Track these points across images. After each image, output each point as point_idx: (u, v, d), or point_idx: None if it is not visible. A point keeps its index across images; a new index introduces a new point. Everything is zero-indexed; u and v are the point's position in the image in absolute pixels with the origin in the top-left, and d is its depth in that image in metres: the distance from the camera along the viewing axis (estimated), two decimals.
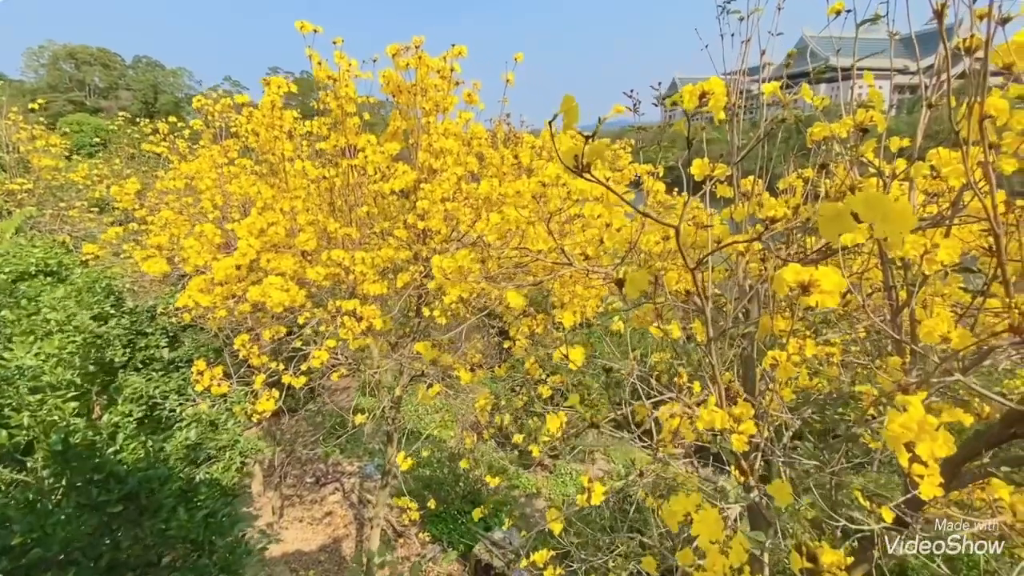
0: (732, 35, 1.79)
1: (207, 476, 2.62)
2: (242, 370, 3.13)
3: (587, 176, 0.84)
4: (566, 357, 1.51)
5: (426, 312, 2.69)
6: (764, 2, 1.61)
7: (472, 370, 3.42)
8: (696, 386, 1.52)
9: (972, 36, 1.08)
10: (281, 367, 2.74)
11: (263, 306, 2.73)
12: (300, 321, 2.74)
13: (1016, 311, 0.90)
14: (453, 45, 2.97)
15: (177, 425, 2.96)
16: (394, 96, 3.27)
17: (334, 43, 3.00)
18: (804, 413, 1.76)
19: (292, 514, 6.11)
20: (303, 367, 2.72)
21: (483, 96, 3.24)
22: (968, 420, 0.75)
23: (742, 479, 1.41)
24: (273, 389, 2.81)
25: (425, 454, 5.39)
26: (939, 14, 0.84)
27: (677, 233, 0.85)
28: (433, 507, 4.74)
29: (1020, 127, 1.12)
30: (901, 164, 1.28)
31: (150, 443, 2.46)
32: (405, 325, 3.63)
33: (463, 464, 3.57)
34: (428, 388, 3.94)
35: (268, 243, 2.91)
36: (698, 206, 2.46)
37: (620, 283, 0.93)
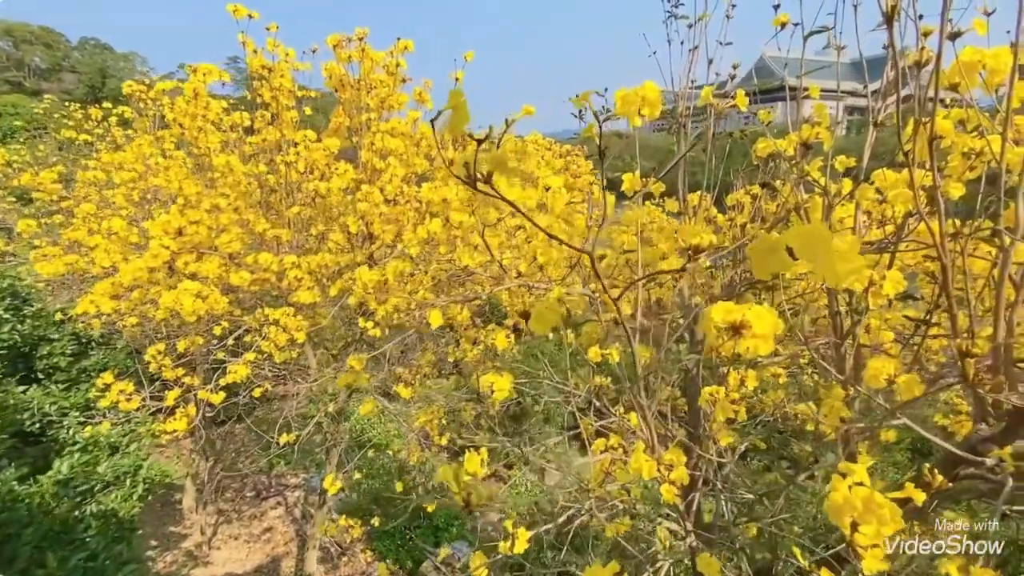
0: (682, 43, 1.70)
1: (100, 509, 2.32)
2: (156, 383, 2.84)
3: (482, 188, 0.70)
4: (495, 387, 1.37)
5: (362, 324, 2.49)
6: (712, 9, 1.52)
7: (413, 383, 3.24)
8: (632, 419, 1.41)
9: (922, 49, 1.00)
10: (197, 381, 2.49)
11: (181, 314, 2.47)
12: (216, 332, 2.49)
13: (967, 359, 0.82)
14: (399, 39, 2.80)
15: (68, 450, 2.63)
16: (337, 91, 3.06)
17: (268, 30, 2.78)
18: (748, 439, 1.68)
19: (227, 532, 5.72)
20: (223, 381, 2.47)
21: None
22: (920, 497, 0.65)
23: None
24: (191, 405, 2.55)
25: (359, 475, 5.13)
26: (888, 18, 0.75)
27: (592, 260, 0.72)
28: (378, 524, 4.51)
29: (965, 149, 1.06)
30: (847, 185, 1.20)
31: (12, 478, 2.10)
32: (347, 335, 3.41)
33: (399, 486, 3.37)
34: (370, 400, 3.72)
35: (188, 244, 2.65)
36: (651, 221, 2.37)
37: (526, 316, 0.80)
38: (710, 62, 1.58)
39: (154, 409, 2.69)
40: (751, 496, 1.46)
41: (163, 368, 2.50)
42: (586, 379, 2.26)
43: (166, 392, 2.52)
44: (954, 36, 1.00)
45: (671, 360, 1.69)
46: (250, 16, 2.70)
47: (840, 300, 1.42)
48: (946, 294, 1.02)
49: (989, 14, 1.09)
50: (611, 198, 2.31)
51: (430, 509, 2.51)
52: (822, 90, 1.65)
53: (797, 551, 0.91)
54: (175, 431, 2.39)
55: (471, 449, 1.28)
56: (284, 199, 3.08)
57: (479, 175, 0.72)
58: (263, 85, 2.96)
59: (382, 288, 2.39)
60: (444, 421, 2.92)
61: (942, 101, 1.10)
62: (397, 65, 2.84)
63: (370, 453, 5.20)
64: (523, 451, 1.95)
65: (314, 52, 2.91)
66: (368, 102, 2.90)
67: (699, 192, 1.97)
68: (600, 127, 0.63)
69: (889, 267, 1.27)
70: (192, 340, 2.58)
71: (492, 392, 1.30)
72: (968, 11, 1.09)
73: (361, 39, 2.83)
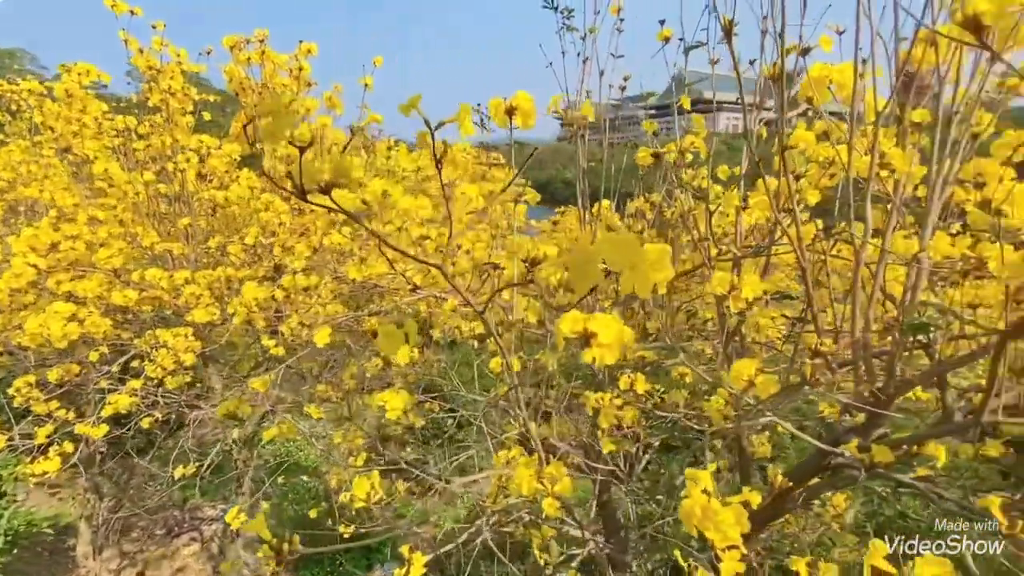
0: (579, 54, 1.73)
1: None
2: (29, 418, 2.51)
3: (314, 200, 0.65)
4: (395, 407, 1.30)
5: (265, 342, 2.33)
6: (600, 22, 1.56)
7: (334, 401, 3.09)
8: (534, 429, 1.40)
9: (773, 65, 1.06)
10: (72, 415, 2.22)
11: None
12: (93, 358, 2.24)
13: (813, 359, 0.86)
14: (301, 42, 2.67)
15: None
16: (238, 95, 2.88)
17: (154, 27, 2.56)
18: (647, 440, 1.72)
19: None
20: (104, 412, 2.22)
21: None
22: (756, 500, 0.66)
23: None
24: (67, 442, 2.27)
25: (285, 501, 4.84)
26: (727, 31, 0.79)
27: (444, 273, 0.69)
28: (299, 550, 4.23)
29: (820, 158, 1.13)
30: (716, 190, 1.26)
31: None
32: (258, 354, 3.19)
33: (313, 512, 3.19)
34: (283, 422, 3.51)
35: (64, 261, 2.37)
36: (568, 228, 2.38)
37: (375, 334, 0.76)
38: (601, 73, 1.61)
39: (24, 448, 2.38)
40: (650, 498, 1.49)
41: (31, 401, 2.21)
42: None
43: (38, 429, 2.23)
44: (805, 52, 1.07)
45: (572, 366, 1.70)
46: (132, 12, 2.48)
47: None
48: (807, 294, 1.08)
49: (840, 33, 1.18)
50: (522, 208, 2.31)
51: (346, 533, 2.39)
52: (735, 102, 1.73)
53: (677, 552, 0.91)
54: (45, 472, 2.12)
55: (364, 475, 1.21)
56: (180, 209, 2.85)
57: (317, 185, 0.67)
58: (152, 87, 2.73)
59: (288, 302, 2.25)
60: (363, 439, 2.79)
61: (817, 113, 1.18)
62: (300, 69, 2.71)
63: (304, 477, 4.92)
64: (437, 468, 1.89)
65: (208, 54, 2.72)
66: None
67: (606, 200, 2.02)
68: (432, 135, 0.60)
69: (764, 270, 1.34)
70: (67, 368, 2.29)
71: (385, 410, 1.23)
72: (821, 28, 1.18)
73: (261, 41, 2.68)
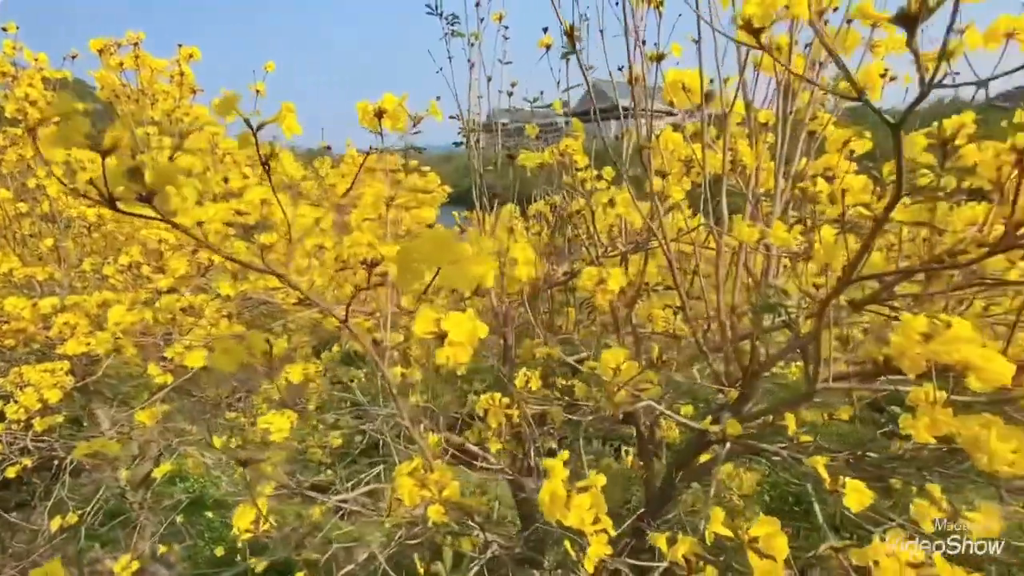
0: (469, 61, 1.74)
1: None
2: None
3: (127, 210, 0.60)
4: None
5: (151, 370, 2.14)
6: (483, 28, 1.59)
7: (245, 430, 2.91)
8: (432, 439, 1.39)
9: (630, 68, 1.13)
10: None
11: None
12: None
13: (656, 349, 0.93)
14: (180, 46, 2.50)
15: None
16: (111, 103, 2.63)
17: (4, 30, 2.28)
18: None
19: None
20: None
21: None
22: (601, 482, 0.69)
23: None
24: None
25: (201, 542, 4.47)
26: (569, 35, 0.83)
27: (289, 282, 0.66)
28: None
29: (683, 157, 1.22)
30: (602, 197, 1.32)
31: None
32: (152, 384, 2.91)
33: (219, 551, 2.97)
34: (188, 454, 3.25)
35: None
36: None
37: (211, 349, 0.72)
38: (489, 79, 1.65)
39: None
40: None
41: None
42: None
43: None
44: (659, 58, 1.14)
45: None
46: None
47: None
48: (675, 285, 1.15)
49: (696, 41, 1.28)
50: (427, 212, 2.29)
51: (259, 567, 2.24)
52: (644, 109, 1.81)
53: (568, 544, 0.94)
54: None
55: (245, 504, 1.13)
56: (47, 230, 2.55)
57: (137, 194, 0.62)
58: (7, 95, 2.43)
59: (175, 325, 2.07)
60: (277, 464, 2.63)
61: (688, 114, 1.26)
62: (182, 74, 2.52)
63: (208, 514, 4.54)
64: (346, 488, 1.82)
65: (74, 59, 2.46)
66: (152, 115, 2.53)
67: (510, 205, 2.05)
68: (256, 136, 0.57)
69: (645, 264, 1.42)
70: None
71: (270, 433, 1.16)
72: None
73: (135, 44, 2.47)
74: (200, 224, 1.35)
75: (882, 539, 0.64)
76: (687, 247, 1.39)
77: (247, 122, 0.57)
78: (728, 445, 1.01)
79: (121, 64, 2.47)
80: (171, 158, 0.68)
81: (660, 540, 0.72)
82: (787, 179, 1.19)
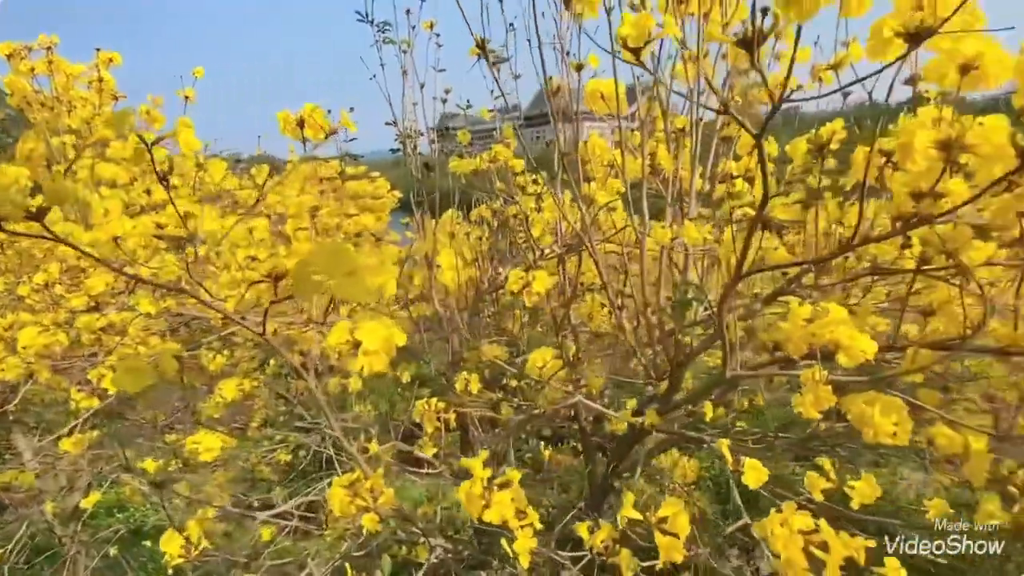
0: (403, 68, 1.75)
1: None
2: None
3: (10, 228, 0.58)
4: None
5: (73, 395, 2.01)
6: (414, 36, 1.60)
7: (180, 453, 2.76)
8: (373, 446, 1.38)
9: (550, 79, 1.18)
10: None
11: None
12: None
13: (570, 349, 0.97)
14: (98, 50, 2.37)
15: None
16: (23, 111, 2.47)
17: None
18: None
19: None
20: None
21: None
22: (516, 476, 0.72)
23: None
24: None
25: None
26: (481, 46, 0.86)
27: (193, 295, 0.65)
28: None
29: (606, 161, 1.28)
30: (528, 202, 1.36)
31: None
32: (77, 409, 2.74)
33: None
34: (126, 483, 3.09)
35: None
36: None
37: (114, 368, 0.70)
38: (422, 86, 1.66)
39: None
40: None
41: None
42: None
43: None
44: (579, 68, 1.19)
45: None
46: None
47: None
48: (603, 285, 1.20)
49: (612, 53, 1.34)
50: (367, 219, 2.26)
51: None
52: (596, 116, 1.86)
53: (504, 542, 0.96)
54: None
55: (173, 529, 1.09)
56: None
57: (26, 212, 0.60)
58: None
59: (99, 345, 1.96)
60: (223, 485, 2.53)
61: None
62: (100, 80, 2.39)
63: (148, 543, 4.28)
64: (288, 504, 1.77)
65: None
66: (69, 123, 2.39)
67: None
68: (150, 151, 0.56)
69: (579, 264, 1.47)
70: None
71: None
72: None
73: (49, 48, 2.32)
74: (118, 239, 1.30)
75: (778, 511, 0.69)
76: (619, 248, 1.45)
77: (140, 138, 0.56)
78: (654, 434, 1.07)
79: (33, 69, 2.31)
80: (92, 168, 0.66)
81: (582, 529, 0.75)
82: (705, 180, 1.27)
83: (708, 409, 1.05)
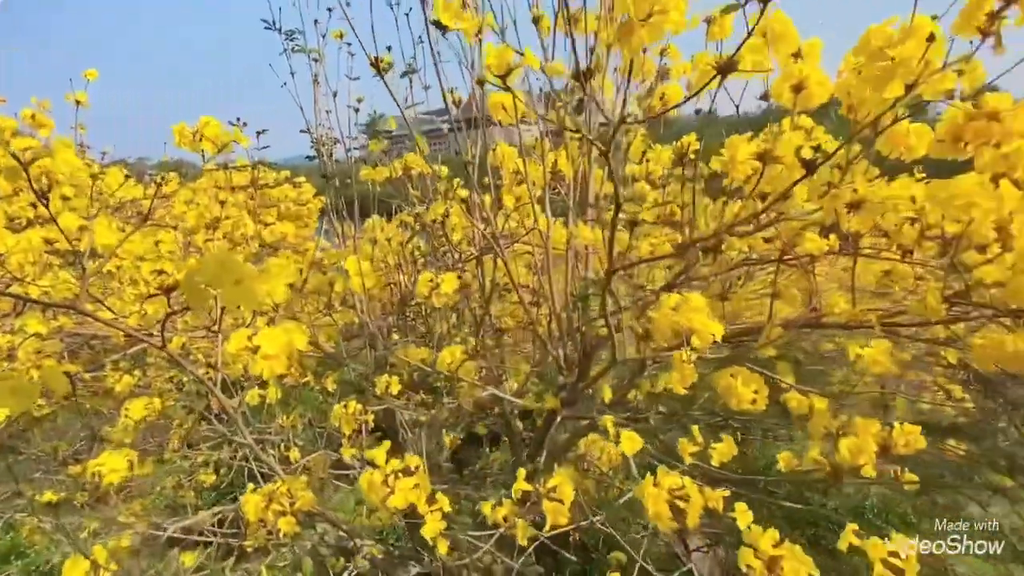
0: (315, 76, 1.75)
1: None
2: None
3: None
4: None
5: None
6: (325, 45, 1.62)
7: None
8: (294, 453, 1.39)
9: (452, 91, 1.25)
10: None
11: None
12: None
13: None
14: None
15: None
16: None
17: None
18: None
19: None
20: None
21: None
22: (415, 462, 0.78)
23: None
24: None
25: None
26: (375, 65, 0.91)
27: (76, 308, 0.66)
28: None
29: (512, 168, 1.36)
30: (439, 208, 1.42)
31: None
32: None
33: None
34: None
35: None
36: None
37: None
38: (334, 94, 1.67)
39: None
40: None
41: None
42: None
43: None
44: (480, 83, 1.27)
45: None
46: None
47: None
48: (513, 286, 1.29)
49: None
50: (287, 226, 2.23)
51: None
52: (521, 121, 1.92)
53: (443, 544, 1.01)
54: None
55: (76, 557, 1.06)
56: None
57: None
58: None
59: None
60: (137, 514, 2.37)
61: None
62: None
63: None
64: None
65: None
66: None
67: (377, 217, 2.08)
68: (26, 171, 0.57)
69: (494, 267, 1.55)
70: None
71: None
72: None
73: None
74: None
75: (653, 477, 0.80)
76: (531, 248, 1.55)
77: (15, 157, 0.56)
78: (559, 419, 1.16)
79: None
80: None
81: (486, 507, 0.82)
82: (602, 184, 1.38)
83: (606, 392, 1.15)
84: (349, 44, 1.68)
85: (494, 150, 1.47)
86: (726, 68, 0.59)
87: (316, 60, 1.69)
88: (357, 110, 1.65)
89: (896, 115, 0.85)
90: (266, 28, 1.62)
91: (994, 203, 0.77)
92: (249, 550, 1.34)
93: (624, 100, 0.76)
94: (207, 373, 1.24)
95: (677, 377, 0.83)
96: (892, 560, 0.69)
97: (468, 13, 0.69)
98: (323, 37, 1.66)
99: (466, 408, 1.38)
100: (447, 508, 0.83)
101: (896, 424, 0.80)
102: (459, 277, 1.45)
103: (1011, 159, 0.82)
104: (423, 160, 1.45)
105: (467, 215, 1.26)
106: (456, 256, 1.59)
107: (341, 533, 1.24)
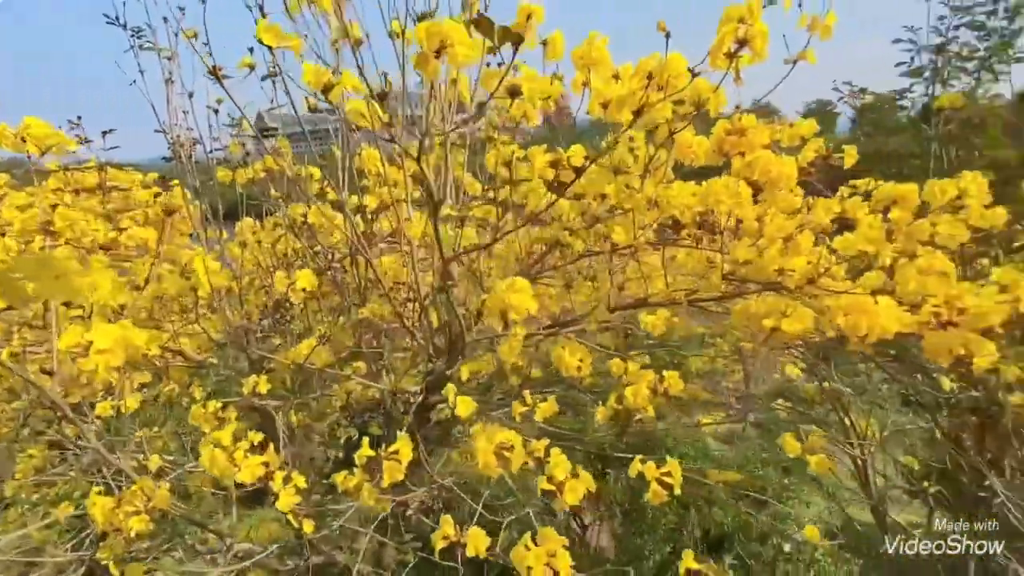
0: (168, 76, 1.69)
1: None
2: None
3: None
4: None
5: None
6: (177, 44, 1.58)
7: None
8: (154, 461, 1.36)
9: (308, 100, 1.31)
10: None
11: None
12: None
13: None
14: None
15: None
16: None
17: None
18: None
19: None
20: None
21: None
22: (272, 458, 0.86)
23: None
24: None
25: None
26: (214, 72, 0.96)
27: None
28: None
29: (374, 171, 1.45)
30: (297, 208, 1.47)
31: None
32: None
33: None
34: None
35: None
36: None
37: None
38: (190, 95, 1.63)
39: None
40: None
41: None
42: None
43: None
44: (328, 89, 1.34)
45: None
46: None
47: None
48: (380, 285, 1.37)
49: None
50: (148, 232, 2.10)
51: None
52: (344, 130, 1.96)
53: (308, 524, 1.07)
54: None
55: None
56: None
57: None
58: None
59: None
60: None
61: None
62: None
63: None
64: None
65: None
66: None
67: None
68: None
69: (365, 268, 1.62)
70: None
71: None
72: None
73: None
74: None
75: (482, 431, 0.93)
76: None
77: None
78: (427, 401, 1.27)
79: None
80: None
81: (338, 478, 0.90)
82: (460, 184, 1.52)
83: (464, 372, 1.28)
84: (206, 44, 1.65)
85: (359, 154, 1.54)
86: (513, 92, 0.74)
87: (169, 59, 1.64)
88: (216, 111, 1.62)
89: (672, 127, 1.07)
90: (108, 23, 1.54)
91: (733, 200, 1.01)
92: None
93: (443, 115, 0.88)
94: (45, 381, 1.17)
95: (506, 349, 0.98)
96: (664, 478, 0.89)
97: (293, 33, 0.77)
98: (175, 36, 1.61)
99: (338, 403, 1.44)
100: (302, 485, 0.90)
101: (666, 373, 1.02)
102: (329, 275, 1.50)
103: (752, 165, 1.08)
104: (285, 162, 1.48)
105: (321, 215, 1.31)
106: (331, 256, 1.63)
107: (211, 531, 1.24)
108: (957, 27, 1.70)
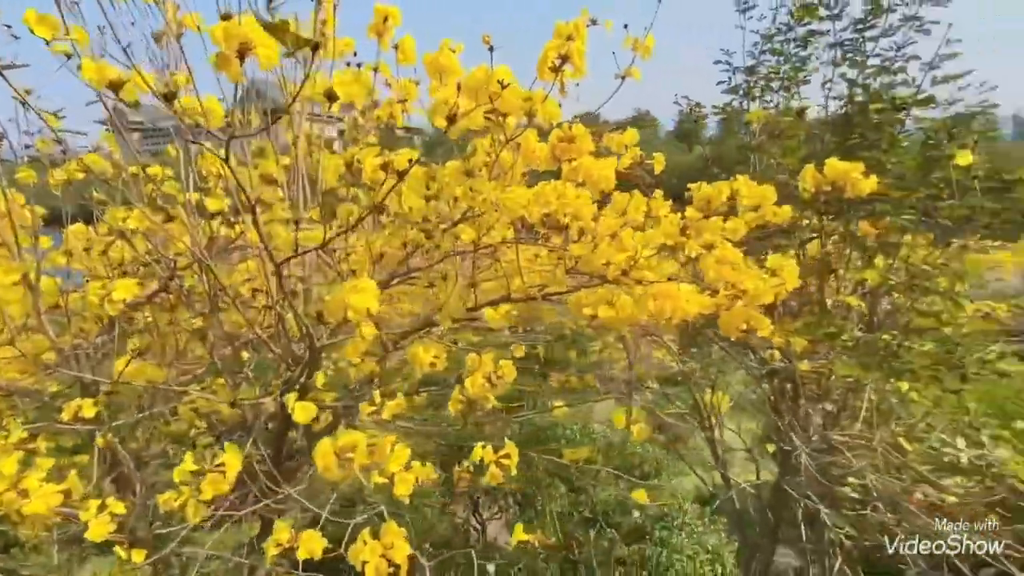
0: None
1: None
2: None
3: None
4: None
5: None
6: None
7: None
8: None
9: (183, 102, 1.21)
10: None
11: None
12: None
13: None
14: None
15: None
16: None
17: None
18: None
19: None
20: None
21: None
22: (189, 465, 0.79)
23: None
24: None
25: None
26: (168, 98, 0.85)
27: None
28: None
29: (215, 173, 1.37)
30: (118, 214, 1.36)
31: None
32: None
33: None
34: None
35: None
36: None
37: None
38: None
39: None
40: None
41: None
42: None
43: None
44: (169, 98, 1.25)
45: None
46: None
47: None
48: (222, 288, 1.30)
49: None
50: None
51: None
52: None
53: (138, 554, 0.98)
54: None
55: None
56: None
57: None
58: None
59: None
60: None
61: None
62: None
63: None
64: None
65: None
66: None
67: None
68: None
69: (214, 276, 1.52)
70: None
71: None
72: None
73: None
74: None
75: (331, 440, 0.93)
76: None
77: None
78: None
79: None
80: None
81: (161, 498, 0.85)
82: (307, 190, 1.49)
83: (319, 379, 1.27)
84: (9, 26, 1.45)
85: (202, 155, 1.45)
86: (329, 96, 0.75)
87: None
88: (25, 104, 1.42)
89: (508, 137, 1.14)
90: None
91: (560, 202, 1.10)
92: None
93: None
94: None
95: (352, 349, 0.99)
96: (502, 461, 0.95)
97: (75, 25, 0.71)
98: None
99: (189, 423, 1.34)
100: (120, 511, 0.84)
101: (501, 363, 1.10)
102: (171, 284, 1.40)
103: (577, 170, 1.19)
104: (107, 162, 1.35)
105: (151, 219, 1.22)
106: (173, 264, 1.51)
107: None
108: (763, 52, 2.00)
